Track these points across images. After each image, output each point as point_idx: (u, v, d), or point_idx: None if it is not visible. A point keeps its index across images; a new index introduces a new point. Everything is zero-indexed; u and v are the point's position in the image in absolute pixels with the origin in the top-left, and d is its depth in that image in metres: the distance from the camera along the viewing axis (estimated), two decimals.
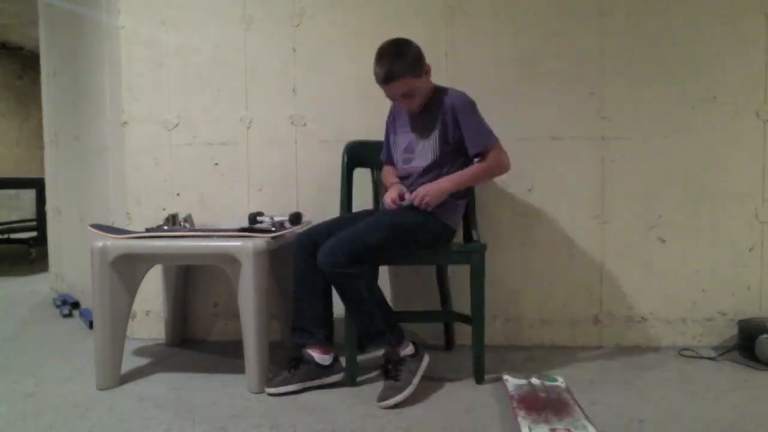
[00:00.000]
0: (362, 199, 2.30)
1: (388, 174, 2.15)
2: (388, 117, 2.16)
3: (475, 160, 1.99)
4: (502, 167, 1.97)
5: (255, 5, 2.41)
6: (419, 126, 2.02)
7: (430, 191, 1.89)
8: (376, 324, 1.83)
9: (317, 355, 1.87)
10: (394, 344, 1.85)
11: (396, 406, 1.73)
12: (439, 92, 2.00)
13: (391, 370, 1.82)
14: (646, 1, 2.28)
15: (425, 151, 1.99)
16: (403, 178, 2.05)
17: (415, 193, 1.90)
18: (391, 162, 2.16)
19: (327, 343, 1.90)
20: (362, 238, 1.79)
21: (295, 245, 1.93)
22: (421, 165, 1.99)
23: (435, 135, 1.97)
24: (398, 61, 1.85)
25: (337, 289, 1.83)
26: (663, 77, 2.29)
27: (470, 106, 1.96)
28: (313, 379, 1.86)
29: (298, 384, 1.84)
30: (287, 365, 1.87)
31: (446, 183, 1.92)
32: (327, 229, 1.93)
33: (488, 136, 1.95)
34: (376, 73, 1.89)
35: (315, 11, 2.39)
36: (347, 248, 1.76)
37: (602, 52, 2.30)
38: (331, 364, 1.90)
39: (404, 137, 2.07)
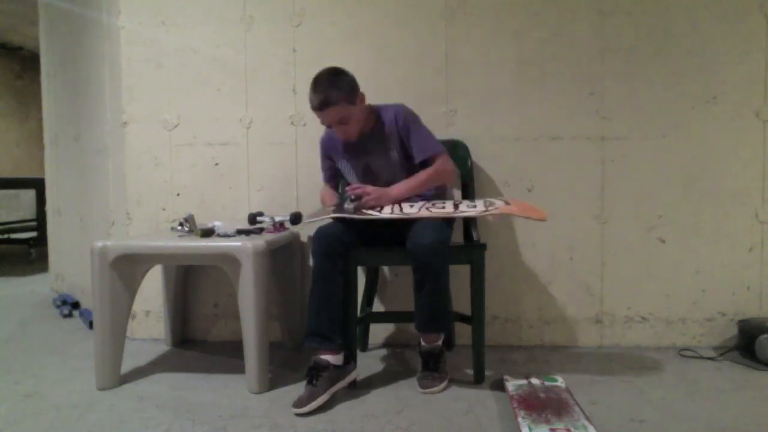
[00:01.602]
0: None
1: (327, 195, 2.18)
2: (324, 141, 2.16)
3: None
4: (449, 173, 2.04)
5: (255, 5, 2.41)
6: (371, 148, 2.04)
7: (383, 199, 1.93)
8: (447, 312, 1.95)
9: (332, 358, 1.82)
10: (447, 332, 1.98)
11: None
12: (377, 112, 2.03)
13: (431, 363, 1.91)
14: (646, 1, 2.28)
15: (393, 171, 2.03)
16: None
17: (367, 195, 1.92)
18: (332, 184, 2.21)
19: (342, 347, 1.87)
20: (444, 231, 1.84)
21: (317, 246, 1.86)
22: (396, 181, 2.01)
23: (395, 154, 2.02)
24: (333, 88, 1.88)
25: (435, 283, 1.81)
26: (663, 77, 2.29)
27: (414, 116, 2.02)
28: (335, 384, 1.81)
29: (326, 394, 1.76)
30: (308, 378, 1.78)
31: (398, 191, 1.97)
32: (350, 228, 1.90)
33: (435, 144, 2.02)
34: (311, 100, 1.90)
35: (315, 11, 2.39)
36: (444, 241, 1.81)
37: (602, 52, 2.30)
38: (344, 362, 1.87)
39: (359, 161, 2.07)
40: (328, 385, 1.78)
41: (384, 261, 2.21)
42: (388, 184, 2.01)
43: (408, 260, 1.83)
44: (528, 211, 1.85)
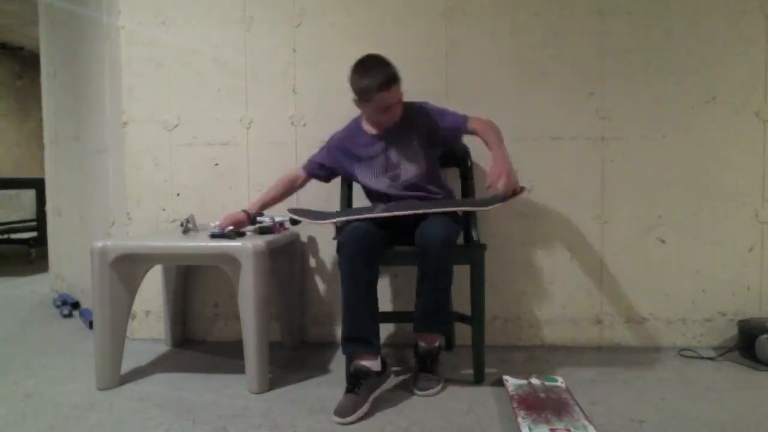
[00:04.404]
0: (362, 198, 2.29)
1: (277, 183, 2.16)
2: (333, 142, 2.13)
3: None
4: (492, 123, 1.99)
5: (255, 5, 2.41)
6: (395, 138, 2.02)
7: (508, 166, 1.80)
8: (447, 313, 1.95)
9: (371, 363, 1.79)
10: (446, 333, 1.98)
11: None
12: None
13: (429, 363, 1.90)
14: (646, 1, 2.28)
15: (414, 156, 2.01)
16: (389, 196, 2.04)
17: (501, 180, 1.78)
18: (311, 174, 2.17)
19: (380, 350, 1.85)
20: (455, 230, 1.86)
21: (346, 248, 1.80)
22: (416, 169, 2.01)
23: (416, 140, 2.01)
24: (391, 67, 1.89)
25: (440, 279, 1.81)
26: (663, 77, 2.29)
27: (433, 104, 2.05)
28: (375, 390, 1.79)
29: (368, 403, 1.71)
30: (348, 385, 1.74)
31: (505, 151, 1.85)
32: (373, 228, 1.85)
33: (460, 114, 2.01)
34: (370, 83, 1.86)
35: (315, 12, 2.39)
36: (453, 239, 1.82)
37: (602, 52, 2.30)
38: (382, 366, 1.84)
39: (379, 160, 2.04)
40: (369, 393, 1.74)
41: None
42: (408, 170, 2.01)
43: (415, 259, 1.83)
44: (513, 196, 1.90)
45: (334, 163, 2.14)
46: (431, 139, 2.03)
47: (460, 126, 1.99)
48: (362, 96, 1.91)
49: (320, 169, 2.17)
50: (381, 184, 2.05)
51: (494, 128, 1.95)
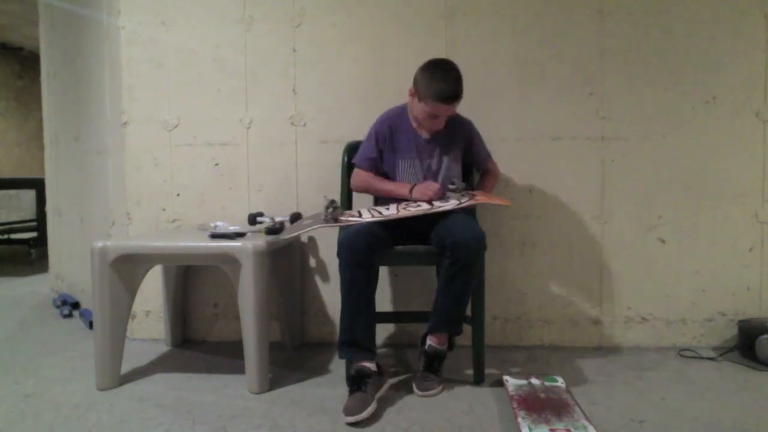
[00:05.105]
0: (362, 199, 2.29)
1: (375, 179, 2.05)
2: (382, 131, 2.05)
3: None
4: (498, 173, 2.25)
5: (255, 5, 2.41)
6: (444, 146, 2.05)
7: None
8: (465, 313, 1.93)
9: (371, 365, 1.79)
10: (460, 334, 1.97)
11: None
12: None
13: (435, 365, 1.90)
14: (646, 1, 2.28)
15: (451, 167, 2.05)
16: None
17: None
18: (372, 170, 2.06)
19: (375, 356, 1.85)
20: (480, 230, 1.85)
21: (345, 254, 1.79)
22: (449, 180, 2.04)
23: (457, 152, 2.08)
24: (461, 85, 1.91)
25: (470, 280, 1.83)
26: (663, 77, 2.29)
27: (476, 127, 2.16)
28: (379, 389, 1.78)
29: (375, 401, 1.70)
30: (354, 385, 1.71)
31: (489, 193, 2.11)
32: (374, 230, 1.82)
33: (487, 150, 2.20)
34: (443, 90, 1.87)
35: (315, 12, 2.39)
36: (485, 238, 1.84)
37: (602, 52, 2.30)
38: (378, 367, 1.83)
39: (426, 162, 2.03)
40: (375, 392, 1.73)
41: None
42: (444, 179, 2.02)
43: (432, 259, 1.82)
44: (494, 200, 1.98)
45: (381, 152, 2.07)
46: (464, 156, 2.12)
47: (484, 160, 2.18)
48: (422, 95, 1.91)
49: (379, 162, 2.07)
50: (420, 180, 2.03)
51: (495, 180, 2.22)
